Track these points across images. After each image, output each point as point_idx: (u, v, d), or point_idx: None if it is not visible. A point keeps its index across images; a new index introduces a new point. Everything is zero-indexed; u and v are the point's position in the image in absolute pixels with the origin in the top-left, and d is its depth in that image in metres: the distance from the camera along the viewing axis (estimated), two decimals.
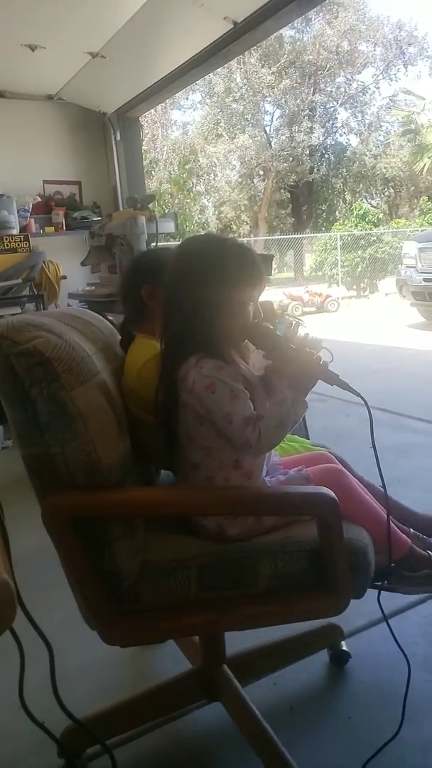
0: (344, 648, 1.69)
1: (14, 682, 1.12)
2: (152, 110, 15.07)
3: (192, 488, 1.33)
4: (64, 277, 4.82)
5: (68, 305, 4.40)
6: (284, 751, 1.30)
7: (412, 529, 1.52)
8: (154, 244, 3.75)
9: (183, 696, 1.55)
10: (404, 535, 1.46)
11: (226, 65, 17.34)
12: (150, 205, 3.96)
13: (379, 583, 1.40)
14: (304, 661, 1.67)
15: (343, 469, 1.44)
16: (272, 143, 22.33)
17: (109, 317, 1.76)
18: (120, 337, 1.60)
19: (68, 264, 4.83)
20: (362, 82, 22.83)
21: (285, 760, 1.29)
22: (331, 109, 23.15)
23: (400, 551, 1.43)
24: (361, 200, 22.25)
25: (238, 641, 1.53)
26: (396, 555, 1.41)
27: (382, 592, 1.39)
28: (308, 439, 1.83)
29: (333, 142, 23.56)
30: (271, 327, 1.33)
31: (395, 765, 1.34)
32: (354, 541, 1.26)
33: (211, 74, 18.43)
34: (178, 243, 1.38)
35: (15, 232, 4.55)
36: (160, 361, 1.29)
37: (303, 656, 1.67)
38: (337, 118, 23.42)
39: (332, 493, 1.17)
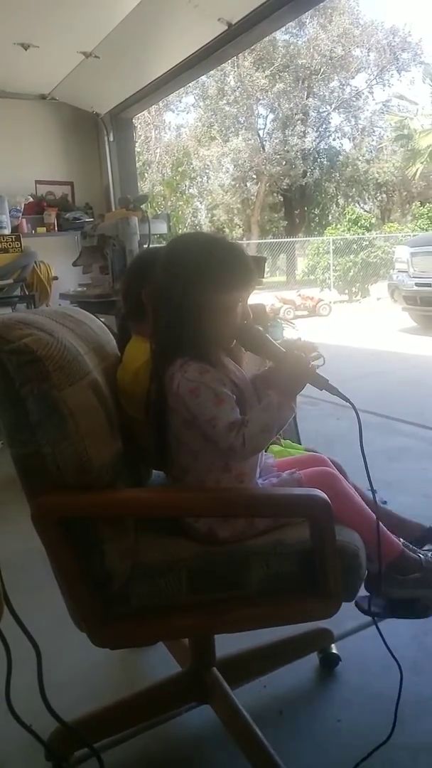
0: (334, 651, 1.68)
1: (1, 684, 1.11)
2: (145, 112, 15.11)
3: (184, 489, 1.32)
4: (56, 278, 4.80)
5: (59, 306, 4.39)
6: (273, 754, 1.29)
7: (402, 540, 1.52)
8: (146, 245, 3.74)
9: (172, 698, 1.53)
10: (395, 539, 1.46)
11: (219, 68, 17.47)
12: (143, 206, 3.95)
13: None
14: (294, 664, 1.66)
15: (337, 472, 1.43)
16: (265, 147, 22.39)
17: (101, 318, 1.74)
18: (115, 337, 1.58)
19: (60, 265, 4.81)
20: (356, 87, 23.00)
21: (273, 762, 1.28)
22: (325, 114, 23.29)
23: (391, 554, 1.42)
24: (354, 205, 22.40)
25: (227, 644, 1.52)
26: (387, 558, 1.40)
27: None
28: (300, 443, 1.83)
29: (326, 147, 23.70)
30: (261, 329, 1.31)
31: None
32: (346, 544, 1.25)
33: (204, 77, 18.53)
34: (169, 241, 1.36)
35: (6, 232, 4.53)
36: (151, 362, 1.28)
37: (293, 659, 1.67)
38: (330, 122, 23.61)
39: (325, 496, 1.16)
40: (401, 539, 1.51)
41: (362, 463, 1.27)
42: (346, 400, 1.22)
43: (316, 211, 24.95)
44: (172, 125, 24.45)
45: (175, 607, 1.21)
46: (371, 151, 23.23)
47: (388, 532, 1.45)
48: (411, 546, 1.50)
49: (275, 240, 21.49)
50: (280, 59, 21.07)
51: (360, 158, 22.85)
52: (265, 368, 1.37)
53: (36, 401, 1.05)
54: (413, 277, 8.16)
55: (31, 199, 5.00)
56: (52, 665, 1.25)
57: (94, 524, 1.13)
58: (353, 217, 16.97)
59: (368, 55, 22.18)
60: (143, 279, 1.48)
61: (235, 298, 1.24)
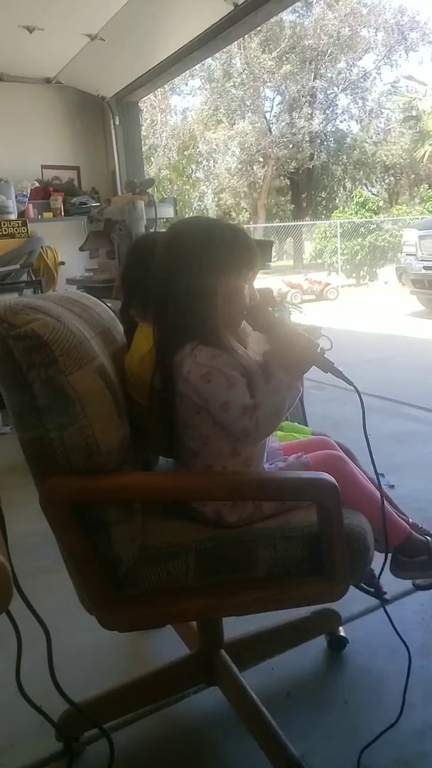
0: (342, 634, 1.69)
1: (12, 666, 1.12)
2: (151, 95, 14.95)
3: (192, 473, 1.32)
4: (62, 263, 4.79)
5: (66, 291, 4.38)
6: (281, 735, 1.30)
7: (411, 518, 1.52)
8: (152, 229, 3.72)
9: (180, 680, 1.55)
10: (402, 521, 1.46)
11: (225, 50, 17.23)
12: (149, 190, 3.93)
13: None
14: (302, 646, 1.67)
15: (343, 455, 1.43)
16: (272, 129, 22.18)
17: (108, 303, 1.73)
18: (122, 323, 1.56)
19: (66, 250, 4.80)
20: (363, 67, 22.67)
21: (281, 744, 1.29)
22: (332, 95, 22.99)
23: (398, 537, 1.43)
24: (361, 188, 22.16)
25: (236, 626, 1.53)
26: (394, 541, 1.41)
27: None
28: (306, 425, 1.82)
29: (333, 129, 23.44)
30: (271, 309, 1.31)
31: (392, 750, 1.34)
32: (353, 527, 1.26)
33: (210, 59, 18.31)
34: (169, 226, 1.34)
35: (13, 217, 4.52)
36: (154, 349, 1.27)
37: (301, 642, 1.68)
38: (337, 104, 23.30)
39: (333, 479, 1.16)
40: (410, 518, 1.51)
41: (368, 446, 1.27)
42: (350, 383, 1.22)
43: (324, 195, 24.74)
44: (178, 109, 24.38)
45: (183, 590, 1.21)
46: (379, 133, 22.95)
47: (394, 514, 1.45)
48: (418, 527, 1.51)
49: (282, 224, 21.33)
50: (286, 40, 20.77)
51: (367, 140, 22.59)
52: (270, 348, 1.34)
53: (43, 386, 1.06)
54: (421, 261, 8.09)
55: (37, 184, 4.99)
56: (62, 647, 1.26)
57: (101, 508, 1.14)
58: (361, 200, 16.79)
59: (376, 35, 21.82)
60: (146, 266, 1.45)
61: (241, 278, 1.24)
